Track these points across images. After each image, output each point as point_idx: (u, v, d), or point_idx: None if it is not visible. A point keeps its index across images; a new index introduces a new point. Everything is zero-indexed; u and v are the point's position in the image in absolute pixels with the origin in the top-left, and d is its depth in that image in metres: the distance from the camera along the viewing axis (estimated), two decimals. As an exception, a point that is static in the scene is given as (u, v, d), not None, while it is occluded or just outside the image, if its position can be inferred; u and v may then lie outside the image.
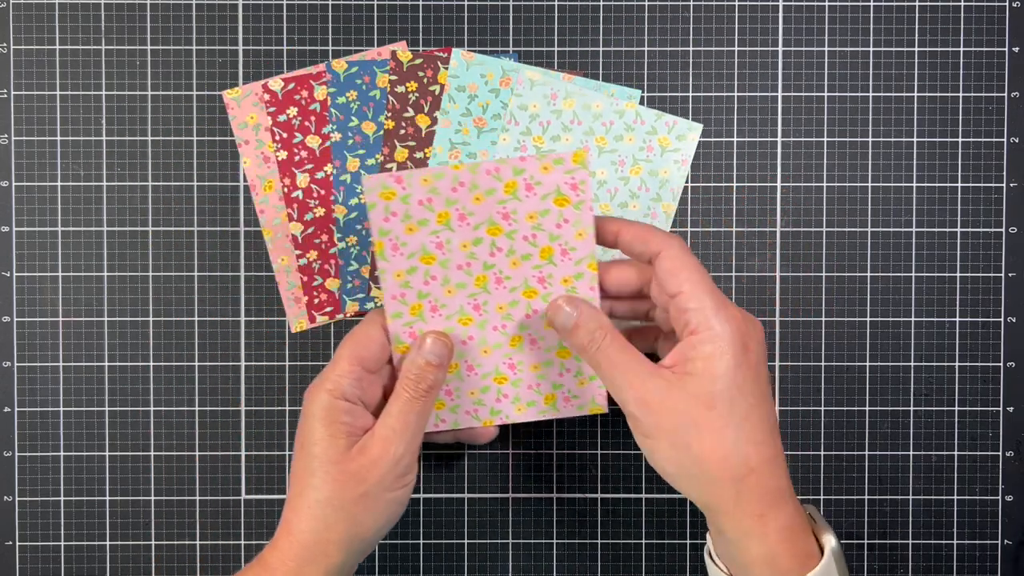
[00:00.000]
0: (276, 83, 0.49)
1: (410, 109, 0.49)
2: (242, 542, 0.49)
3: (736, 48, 0.49)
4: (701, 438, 0.37)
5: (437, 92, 0.49)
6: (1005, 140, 0.49)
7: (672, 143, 0.49)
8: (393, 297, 0.41)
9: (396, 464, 0.40)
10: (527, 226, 0.41)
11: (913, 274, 0.49)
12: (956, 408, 0.49)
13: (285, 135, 0.49)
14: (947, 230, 0.49)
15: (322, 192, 0.49)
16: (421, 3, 0.49)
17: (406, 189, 0.39)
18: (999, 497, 0.49)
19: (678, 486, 0.39)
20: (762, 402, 0.38)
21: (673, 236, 0.39)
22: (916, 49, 0.49)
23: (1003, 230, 0.49)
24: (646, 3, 0.49)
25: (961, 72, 0.49)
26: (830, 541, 0.38)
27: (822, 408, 0.50)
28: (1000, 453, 0.49)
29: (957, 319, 0.49)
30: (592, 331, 0.39)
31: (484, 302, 0.42)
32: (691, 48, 0.49)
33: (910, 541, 0.49)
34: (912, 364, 0.49)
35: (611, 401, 0.48)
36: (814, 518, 0.40)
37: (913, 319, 0.49)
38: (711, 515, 0.39)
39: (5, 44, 0.49)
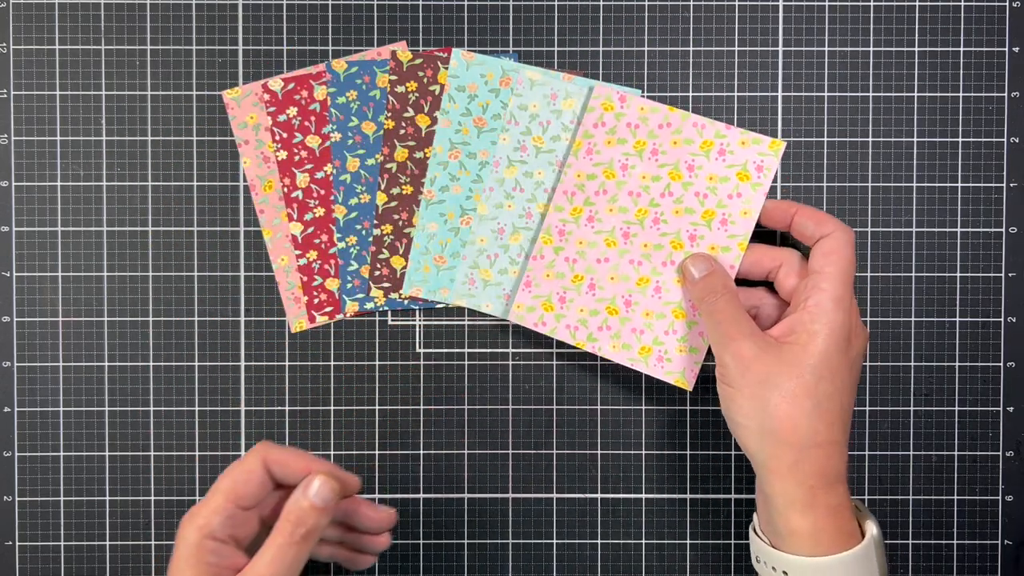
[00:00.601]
0: (276, 83, 0.49)
1: (410, 109, 0.49)
2: (242, 542, 0.49)
3: (736, 48, 0.49)
4: (780, 398, 0.39)
5: (437, 92, 0.48)
6: (1005, 140, 0.49)
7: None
8: (564, 192, 0.46)
9: None
10: (704, 184, 0.45)
11: (913, 274, 0.49)
12: (956, 408, 0.49)
13: (285, 135, 0.49)
14: (947, 230, 0.49)
15: (322, 192, 0.49)
16: (421, 3, 0.49)
17: (624, 109, 0.46)
18: (999, 497, 0.49)
19: (742, 438, 0.41)
20: (846, 393, 0.40)
21: (848, 228, 0.42)
22: (916, 49, 0.49)
23: (1003, 230, 0.49)
24: (646, 3, 0.49)
25: (961, 72, 0.49)
26: (872, 528, 0.40)
27: (822, 408, 0.49)
28: (1000, 453, 0.49)
29: (957, 319, 0.49)
30: (716, 286, 0.43)
31: (634, 233, 0.45)
32: (691, 48, 0.49)
33: (910, 541, 0.49)
34: (912, 364, 0.49)
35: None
36: (859, 508, 0.41)
37: (913, 319, 0.49)
38: (764, 476, 0.40)
39: (5, 44, 0.49)
